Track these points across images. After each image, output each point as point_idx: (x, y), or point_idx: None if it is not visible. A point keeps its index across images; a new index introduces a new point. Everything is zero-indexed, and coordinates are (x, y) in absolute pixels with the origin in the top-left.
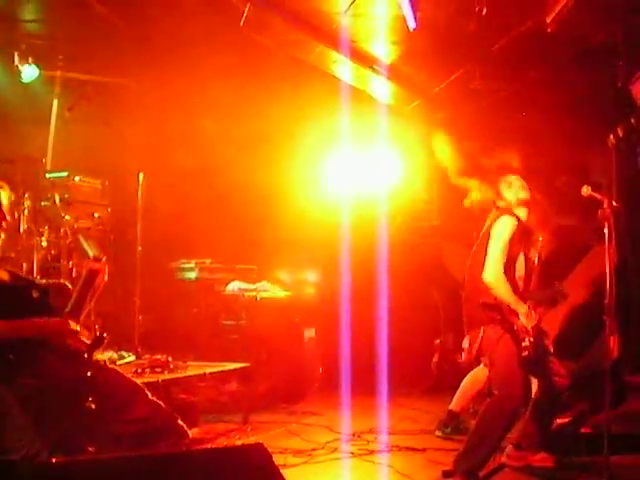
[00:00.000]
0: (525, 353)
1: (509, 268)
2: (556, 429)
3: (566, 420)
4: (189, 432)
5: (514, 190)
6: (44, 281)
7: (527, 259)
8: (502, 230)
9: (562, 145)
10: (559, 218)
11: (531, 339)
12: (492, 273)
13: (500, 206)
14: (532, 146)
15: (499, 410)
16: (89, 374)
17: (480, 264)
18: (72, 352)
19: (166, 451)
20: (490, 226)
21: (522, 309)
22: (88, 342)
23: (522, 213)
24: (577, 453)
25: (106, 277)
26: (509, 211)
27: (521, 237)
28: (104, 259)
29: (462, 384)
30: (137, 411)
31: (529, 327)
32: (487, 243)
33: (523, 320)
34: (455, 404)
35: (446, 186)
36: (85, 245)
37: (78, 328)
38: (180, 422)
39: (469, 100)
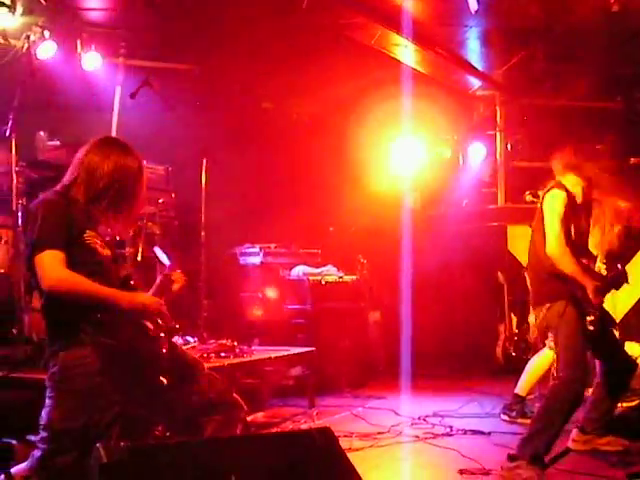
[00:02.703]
0: (591, 328)
1: (567, 241)
2: (623, 413)
3: (633, 404)
4: (244, 405)
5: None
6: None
7: (578, 232)
8: (553, 203)
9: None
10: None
11: (597, 313)
12: (555, 247)
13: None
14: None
15: (564, 393)
16: (165, 351)
17: (541, 239)
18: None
19: (222, 428)
20: (542, 200)
21: (590, 283)
22: (172, 325)
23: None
24: None
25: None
26: (558, 185)
27: (571, 210)
28: (179, 271)
29: (527, 367)
30: (194, 385)
31: (595, 302)
32: (542, 218)
33: (590, 294)
34: (520, 388)
35: (511, 169)
36: (160, 255)
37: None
38: (235, 395)
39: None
